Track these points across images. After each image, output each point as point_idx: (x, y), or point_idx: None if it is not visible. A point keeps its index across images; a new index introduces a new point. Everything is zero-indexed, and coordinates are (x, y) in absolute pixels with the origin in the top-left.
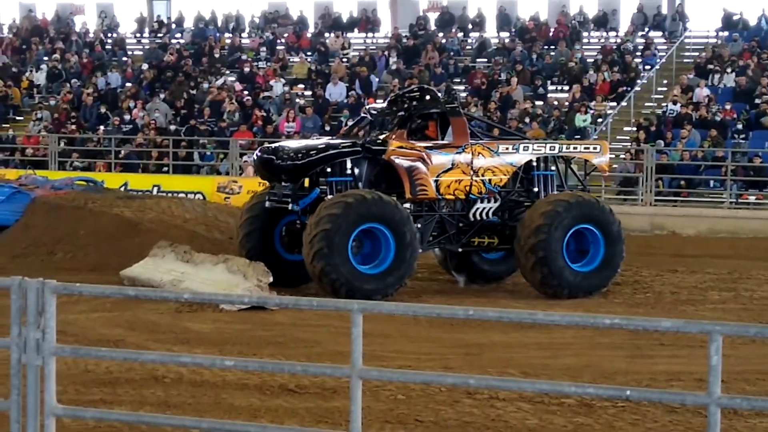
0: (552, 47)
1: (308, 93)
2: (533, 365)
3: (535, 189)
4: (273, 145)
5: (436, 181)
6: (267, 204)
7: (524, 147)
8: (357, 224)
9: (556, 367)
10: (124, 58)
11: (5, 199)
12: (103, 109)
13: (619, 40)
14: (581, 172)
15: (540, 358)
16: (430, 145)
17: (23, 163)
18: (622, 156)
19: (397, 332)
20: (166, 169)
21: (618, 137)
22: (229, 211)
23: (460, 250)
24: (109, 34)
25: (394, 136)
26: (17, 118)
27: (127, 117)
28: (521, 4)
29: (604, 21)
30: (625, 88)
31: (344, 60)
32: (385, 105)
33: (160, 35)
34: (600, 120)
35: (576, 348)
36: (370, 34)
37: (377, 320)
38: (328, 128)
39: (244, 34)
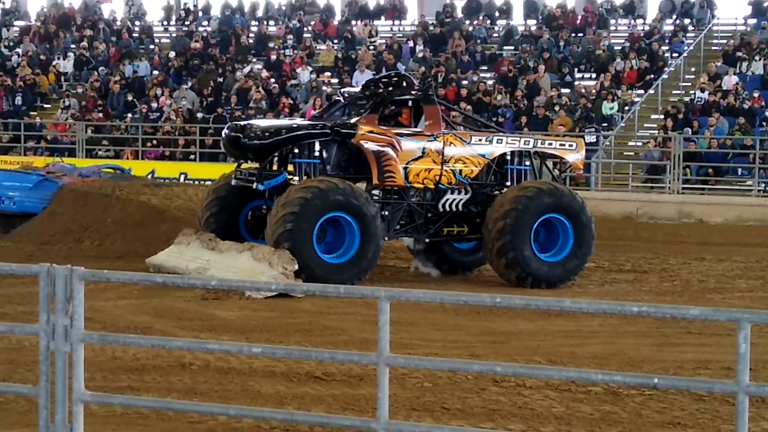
0: (579, 35)
1: (335, 81)
2: (560, 353)
3: (508, 183)
4: (242, 123)
5: (405, 168)
6: (233, 182)
7: (498, 140)
8: (325, 211)
9: (582, 355)
10: (152, 46)
11: (33, 186)
12: (130, 97)
13: (646, 28)
14: (556, 171)
15: (567, 346)
16: (402, 131)
17: (51, 150)
18: (649, 144)
19: (424, 320)
20: (192, 156)
21: (645, 125)
22: None
23: (427, 240)
24: (137, 22)
25: (364, 120)
26: (45, 106)
27: (154, 105)
28: None
29: (631, 8)
30: (652, 75)
31: (371, 48)
32: (359, 89)
33: (187, 23)
34: (627, 108)
35: (603, 336)
36: (396, 22)
37: (403, 308)
38: None
39: (271, 22)
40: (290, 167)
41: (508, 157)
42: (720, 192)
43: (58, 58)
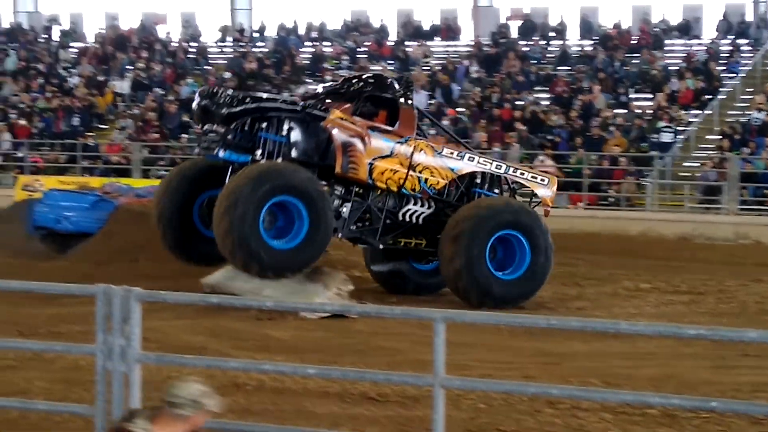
0: (635, 55)
1: None
2: (615, 375)
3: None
4: (213, 89)
5: (370, 164)
6: (196, 150)
7: (469, 157)
8: (270, 196)
9: (638, 378)
10: (207, 67)
11: (89, 206)
12: (185, 117)
13: (702, 48)
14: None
15: (622, 368)
16: (374, 125)
17: (107, 171)
18: (706, 165)
19: (478, 341)
20: None
21: (701, 146)
22: None
23: (381, 246)
24: (192, 43)
25: (338, 107)
26: (101, 126)
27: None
28: (603, 12)
29: (687, 28)
30: (708, 96)
31: (425, 68)
32: (338, 84)
33: (242, 44)
34: (681, 137)
35: (659, 358)
36: (451, 42)
37: (458, 329)
38: None
39: (326, 42)
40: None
41: (478, 180)
42: None
43: (115, 79)
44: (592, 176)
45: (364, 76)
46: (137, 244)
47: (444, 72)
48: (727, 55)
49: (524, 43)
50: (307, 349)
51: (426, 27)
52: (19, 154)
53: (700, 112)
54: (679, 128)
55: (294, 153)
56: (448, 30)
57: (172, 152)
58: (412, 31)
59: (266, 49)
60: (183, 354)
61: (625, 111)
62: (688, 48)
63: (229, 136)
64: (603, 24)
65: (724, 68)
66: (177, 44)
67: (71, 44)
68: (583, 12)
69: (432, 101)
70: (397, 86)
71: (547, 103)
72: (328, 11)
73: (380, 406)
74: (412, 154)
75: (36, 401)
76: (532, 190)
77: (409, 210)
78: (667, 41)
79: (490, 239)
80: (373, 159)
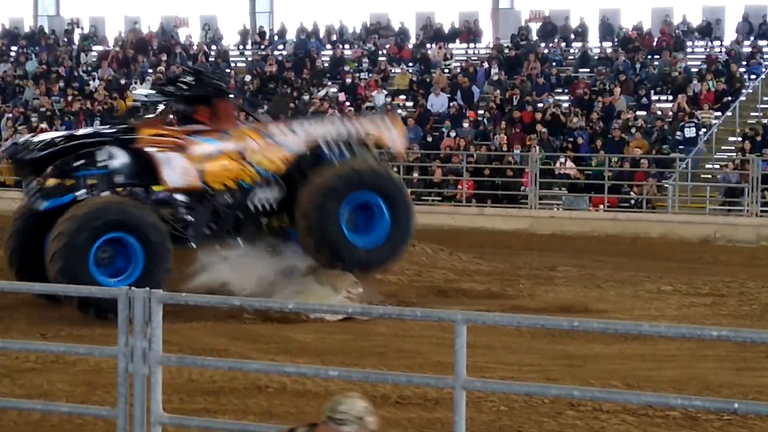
0: (655, 57)
1: (410, 104)
2: (637, 377)
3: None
4: (21, 139)
5: (199, 169)
6: (24, 201)
7: (302, 130)
8: (100, 233)
9: (660, 379)
10: (227, 70)
11: None
12: None
13: (724, 50)
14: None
15: (644, 369)
16: (194, 128)
17: None
18: (727, 166)
19: (499, 343)
20: None
21: (723, 147)
22: None
23: (240, 242)
24: (213, 46)
25: (147, 123)
26: None
27: None
28: (624, 14)
29: (708, 30)
30: (730, 98)
31: (446, 71)
32: (153, 91)
33: (262, 47)
34: (705, 131)
35: (680, 360)
36: (471, 45)
37: (479, 331)
38: (430, 139)
39: (346, 45)
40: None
41: (325, 148)
42: None
43: (135, 83)
44: (613, 178)
45: (175, 79)
46: None
47: (464, 74)
48: (748, 56)
49: (545, 45)
50: (328, 352)
51: (446, 29)
52: None
53: (721, 114)
54: (702, 129)
55: (119, 180)
56: (469, 32)
57: None
58: (432, 33)
59: (286, 52)
60: (205, 357)
61: (646, 113)
62: (709, 50)
63: (46, 184)
64: (623, 26)
65: (745, 70)
66: (197, 48)
67: (92, 48)
68: (603, 14)
69: (452, 104)
70: (211, 81)
71: (568, 105)
72: (348, 14)
73: (401, 409)
74: (241, 146)
75: (58, 403)
76: (382, 141)
77: (258, 198)
78: (688, 43)
79: (343, 205)
80: (201, 163)
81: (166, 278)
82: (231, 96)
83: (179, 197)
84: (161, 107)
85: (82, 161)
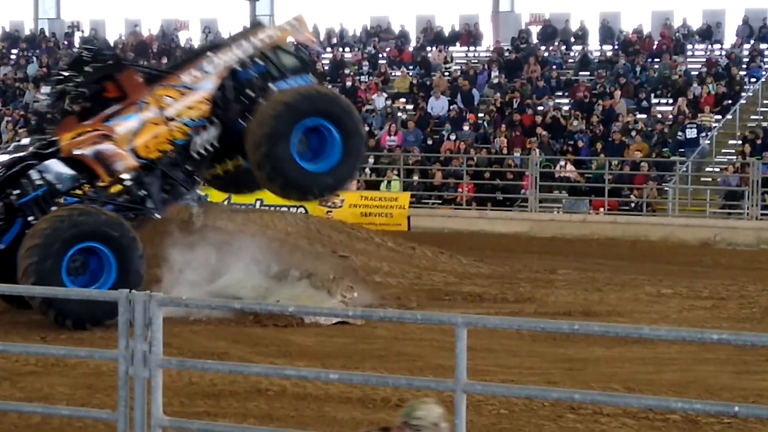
0: (656, 60)
1: (410, 107)
2: (637, 380)
3: (252, 93)
4: None
5: (131, 149)
6: None
7: (210, 67)
8: (72, 243)
9: (660, 383)
10: None
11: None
12: None
13: (724, 53)
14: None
15: (644, 373)
16: (107, 115)
17: None
18: (727, 169)
19: (499, 346)
20: None
21: (723, 151)
22: (332, 224)
23: (198, 193)
24: None
25: (62, 128)
26: None
27: None
28: (624, 17)
29: (708, 33)
30: (730, 101)
31: (446, 74)
32: (48, 93)
33: None
34: (705, 134)
35: (681, 363)
36: (471, 48)
37: (479, 334)
38: (430, 142)
39: (346, 48)
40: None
41: (239, 71)
42: None
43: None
44: (614, 181)
45: (66, 71)
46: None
47: (464, 77)
48: (748, 59)
49: (545, 48)
50: (329, 355)
51: (446, 32)
52: None
53: (721, 117)
54: (702, 131)
55: (61, 189)
56: (469, 35)
57: None
58: (432, 36)
59: None
60: (205, 360)
61: (646, 116)
62: (710, 53)
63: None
64: (624, 29)
65: (746, 73)
66: None
67: None
68: (603, 17)
69: (452, 107)
70: (104, 55)
71: (568, 108)
72: (348, 17)
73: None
74: (159, 108)
75: (58, 406)
76: (293, 37)
77: (198, 145)
78: (688, 46)
79: (292, 132)
80: (130, 142)
81: (140, 282)
82: (128, 63)
83: (127, 180)
84: (66, 101)
85: (17, 192)
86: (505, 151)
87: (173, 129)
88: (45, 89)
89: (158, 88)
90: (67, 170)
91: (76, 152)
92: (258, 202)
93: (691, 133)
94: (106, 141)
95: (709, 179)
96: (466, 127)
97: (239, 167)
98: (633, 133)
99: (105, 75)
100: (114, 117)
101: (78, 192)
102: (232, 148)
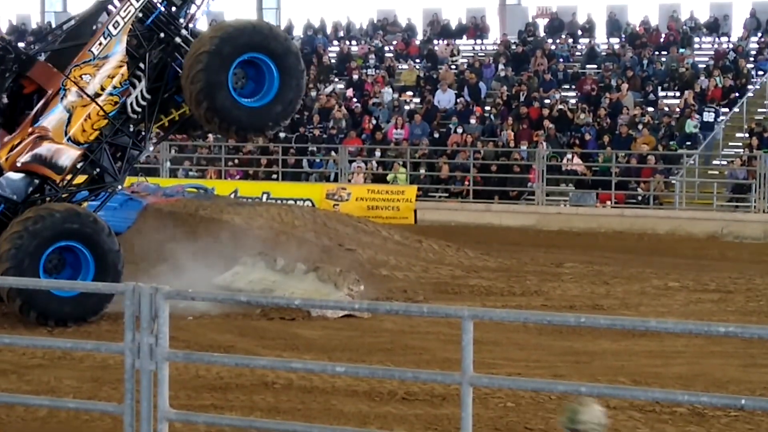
0: (663, 53)
1: (417, 100)
2: (644, 373)
3: (165, 32)
4: None
5: (69, 138)
6: None
7: (113, 28)
8: (48, 243)
9: (667, 376)
10: None
11: (118, 206)
12: None
13: (731, 46)
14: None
15: (651, 366)
16: (34, 115)
17: (135, 170)
18: (735, 163)
19: (506, 339)
20: (275, 176)
21: (730, 143)
22: (338, 218)
23: (150, 147)
24: None
25: None
26: None
27: None
28: (631, 10)
29: (715, 26)
30: (737, 94)
31: (453, 67)
32: None
33: None
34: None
35: (687, 356)
36: (478, 41)
37: (486, 327)
38: (437, 135)
39: (353, 42)
40: None
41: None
42: None
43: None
44: (621, 174)
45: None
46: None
47: (471, 71)
48: (756, 52)
49: (552, 41)
50: (335, 348)
51: (453, 26)
52: None
53: (728, 110)
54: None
55: (20, 198)
56: (476, 29)
57: (200, 151)
58: (439, 29)
59: None
60: (211, 353)
61: (653, 109)
62: (717, 46)
63: None
64: (631, 22)
65: (753, 66)
66: None
67: None
68: (610, 10)
69: (459, 100)
70: (9, 58)
71: (575, 101)
72: (355, 10)
73: (408, 405)
74: (81, 88)
75: (65, 399)
76: None
77: (131, 104)
78: (695, 39)
79: (232, 62)
80: (66, 133)
81: (119, 278)
82: (33, 56)
83: (78, 166)
84: None
85: None
86: (512, 144)
87: (104, 103)
88: None
89: (73, 69)
90: (19, 181)
91: (19, 163)
92: (264, 195)
93: (709, 116)
94: (44, 141)
95: (717, 172)
96: (473, 120)
97: (184, 114)
98: (640, 126)
99: (20, 75)
100: (41, 115)
101: (38, 195)
102: (171, 92)
